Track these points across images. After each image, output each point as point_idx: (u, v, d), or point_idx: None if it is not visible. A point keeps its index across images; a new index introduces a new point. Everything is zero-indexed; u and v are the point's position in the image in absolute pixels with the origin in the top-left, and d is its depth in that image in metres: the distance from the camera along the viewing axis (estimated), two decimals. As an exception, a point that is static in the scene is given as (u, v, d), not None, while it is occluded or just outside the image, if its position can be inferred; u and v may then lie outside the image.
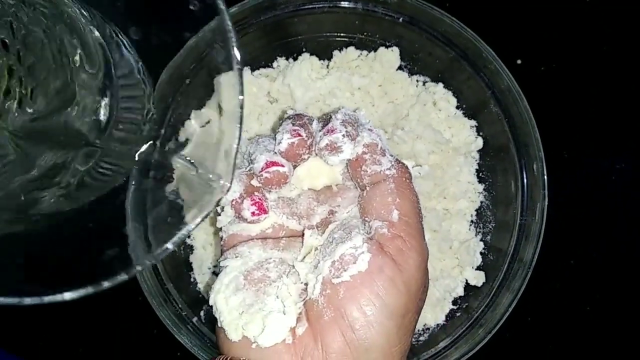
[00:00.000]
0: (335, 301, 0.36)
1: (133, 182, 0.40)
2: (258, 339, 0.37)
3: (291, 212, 0.44)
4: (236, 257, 0.42)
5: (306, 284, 0.40)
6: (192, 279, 0.62)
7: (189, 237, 0.63)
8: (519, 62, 0.70)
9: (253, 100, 0.63)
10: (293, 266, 0.41)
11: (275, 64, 0.65)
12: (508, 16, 0.71)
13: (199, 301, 0.61)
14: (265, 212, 0.41)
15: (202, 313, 0.60)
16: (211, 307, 0.40)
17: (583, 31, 0.71)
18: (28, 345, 0.67)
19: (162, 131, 0.60)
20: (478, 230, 0.63)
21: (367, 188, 0.41)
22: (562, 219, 0.66)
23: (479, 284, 0.59)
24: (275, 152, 0.42)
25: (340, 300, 0.36)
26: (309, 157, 0.42)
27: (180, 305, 0.58)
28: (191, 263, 0.63)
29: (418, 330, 0.60)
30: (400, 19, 0.59)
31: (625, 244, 0.68)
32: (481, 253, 0.61)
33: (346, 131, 0.41)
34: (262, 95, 0.63)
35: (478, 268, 0.61)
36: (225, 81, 0.62)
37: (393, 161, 0.41)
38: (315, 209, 0.44)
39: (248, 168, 0.43)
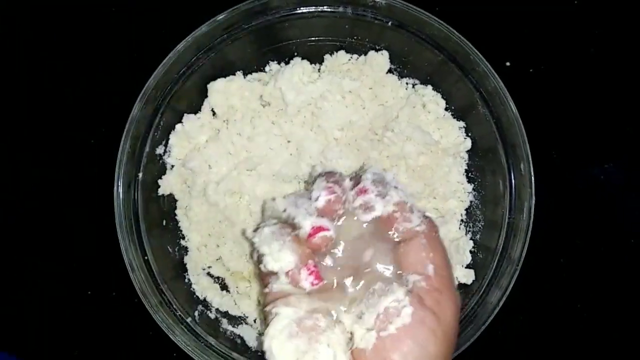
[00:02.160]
0: (382, 352, 0.39)
1: None
2: None
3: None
4: (287, 305, 0.43)
5: (351, 333, 0.42)
6: (186, 280, 0.63)
7: (183, 238, 0.64)
8: (507, 64, 0.70)
9: (246, 104, 0.64)
10: (338, 317, 0.44)
11: (267, 68, 0.66)
12: (497, 19, 0.72)
13: (194, 302, 0.62)
14: (322, 279, 0.44)
15: (196, 314, 0.60)
16: (264, 352, 0.42)
17: (571, 34, 0.72)
18: (23, 348, 0.67)
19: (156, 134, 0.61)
20: (468, 229, 0.63)
21: (402, 244, 0.44)
22: (551, 218, 0.67)
23: (469, 282, 0.60)
24: (313, 213, 0.44)
25: (387, 351, 0.39)
26: (343, 213, 0.45)
27: (175, 306, 0.58)
28: (185, 264, 0.64)
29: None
30: (390, 23, 0.60)
31: (614, 242, 0.68)
32: (471, 251, 0.62)
33: (378, 191, 0.44)
34: (254, 99, 0.64)
35: (468, 266, 0.61)
36: (218, 87, 0.63)
37: (421, 217, 0.44)
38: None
39: (294, 233, 0.45)
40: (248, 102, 0.64)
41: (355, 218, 0.46)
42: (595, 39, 0.72)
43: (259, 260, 0.45)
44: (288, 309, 0.43)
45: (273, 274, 0.45)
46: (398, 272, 0.44)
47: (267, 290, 0.45)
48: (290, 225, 0.45)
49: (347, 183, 0.46)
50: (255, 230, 0.47)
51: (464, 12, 0.70)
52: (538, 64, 0.71)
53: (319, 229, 0.44)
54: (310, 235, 0.43)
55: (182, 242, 0.64)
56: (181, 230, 0.64)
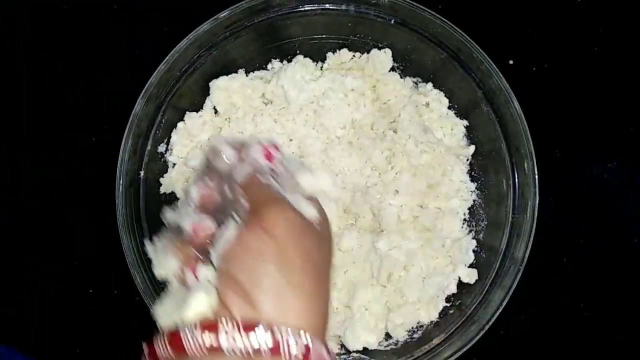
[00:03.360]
0: (222, 270, 0.40)
1: None
2: (183, 317, 0.40)
3: None
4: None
5: None
6: (188, 279, 0.63)
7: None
8: (510, 62, 0.70)
9: (248, 102, 0.64)
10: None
11: (269, 66, 0.65)
12: (500, 17, 0.72)
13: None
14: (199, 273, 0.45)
15: (198, 313, 0.60)
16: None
17: (574, 31, 0.72)
18: (25, 346, 0.67)
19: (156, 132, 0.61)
20: (471, 228, 0.63)
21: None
22: (554, 216, 0.67)
23: (472, 282, 0.60)
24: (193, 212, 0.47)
25: (222, 266, 0.40)
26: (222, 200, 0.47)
27: (177, 305, 0.58)
28: (187, 263, 0.63)
29: (412, 328, 0.60)
30: (392, 21, 0.60)
31: (617, 241, 0.68)
32: (474, 251, 0.61)
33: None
34: (256, 97, 0.64)
35: (471, 266, 0.61)
36: (220, 85, 0.63)
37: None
38: None
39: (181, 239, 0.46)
40: (250, 100, 0.64)
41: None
42: (598, 37, 0.72)
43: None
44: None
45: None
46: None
47: None
48: (178, 231, 0.47)
49: (224, 164, 0.48)
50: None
51: (467, 10, 0.70)
52: (541, 62, 0.71)
53: (198, 227, 0.45)
54: (193, 235, 0.45)
55: (184, 241, 0.63)
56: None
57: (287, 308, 0.39)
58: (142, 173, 0.60)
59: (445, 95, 0.64)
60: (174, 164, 0.63)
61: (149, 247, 0.47)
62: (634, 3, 0.72)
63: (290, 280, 0.39)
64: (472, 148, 0.63)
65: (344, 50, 0.65)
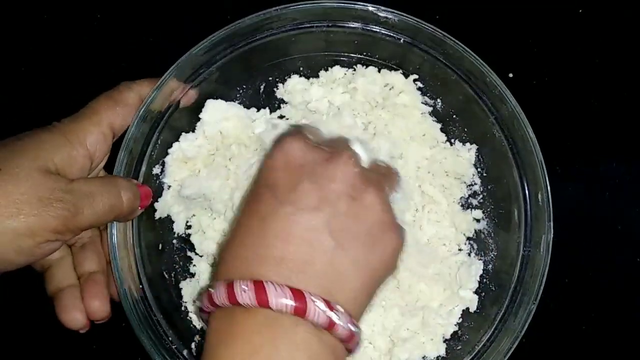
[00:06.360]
0: None
1: None
2: None
3: None
4: None
5: None
6: (183, 308, 0.60)
7: (177, 263, 0.61)
8: (510, 75, 0.68)
9: (237, 133, 0.61)
10: None
11: (262, 112, 0.63)
12: (499, 29, 0.70)
13: (191, 332, 0.59)
14: None
15: (193, 345, 0.57)
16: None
17: (575, 44, 0.70)
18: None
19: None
20: (479, 257, 0.61)
21: None
22: (554, 235, 0.65)
23: (474, 308, 0.59)
24: None
25: None
26: None
27: (170, 338, 0.55)
28: (181, 289, 0.60)
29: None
30: (402, 40, 0.57)
31: (620, 261, 0.67)
32: (482, 283, 0.60)
33: None
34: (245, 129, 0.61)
35: (478, 296, 0.60)
36: (212, 106, 0.60)
37: None
38: None
39: None
40: (240, 131, 0.60)
41: None
42: (599, 50, 0.70)
43: None
44: None
45: None
46: None
47: None
48: None
49: None
50: None
51: (465, 22, 0.68)
52: (542, 75, 0.70)
53: None
54: None
55: (177, 267, 0.61)
56: (177, 254, 0.61)
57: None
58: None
59: (454, 118, 0.62)
60: (169, 186, 0.60)
61: None
62: (635, 15, 0.71)
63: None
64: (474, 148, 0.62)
65: (336, 67, 0.62)
